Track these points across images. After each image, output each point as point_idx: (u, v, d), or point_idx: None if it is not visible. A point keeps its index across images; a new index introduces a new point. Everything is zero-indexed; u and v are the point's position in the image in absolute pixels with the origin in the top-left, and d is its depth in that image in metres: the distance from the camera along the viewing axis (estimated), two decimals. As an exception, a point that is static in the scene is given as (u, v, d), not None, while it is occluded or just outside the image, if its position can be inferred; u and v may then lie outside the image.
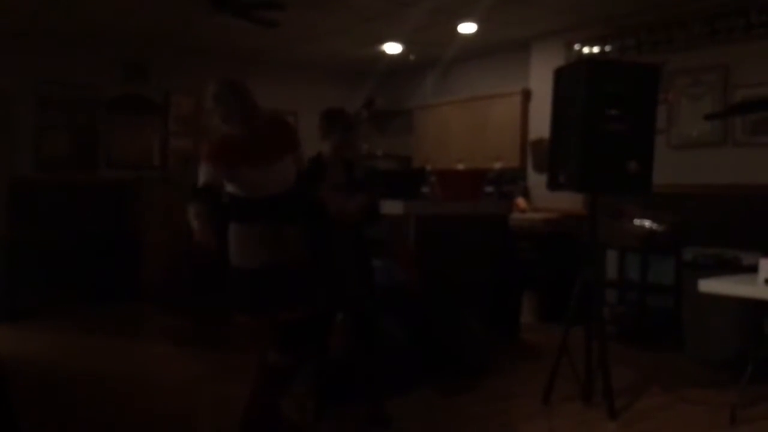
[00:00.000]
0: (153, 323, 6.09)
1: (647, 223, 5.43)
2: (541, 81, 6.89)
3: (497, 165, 7.38)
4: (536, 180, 7.07)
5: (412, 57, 7.96)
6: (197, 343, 5.29)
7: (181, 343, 5.32)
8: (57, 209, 7.20)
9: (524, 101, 7.36)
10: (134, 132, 7.93)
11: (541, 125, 6.64)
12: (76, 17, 6.56)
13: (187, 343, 5.31)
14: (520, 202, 6.99)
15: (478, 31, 6.84)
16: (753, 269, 3.47)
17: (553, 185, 3.80)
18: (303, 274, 3.17)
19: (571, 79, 3.70)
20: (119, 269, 7.10)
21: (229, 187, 3.21)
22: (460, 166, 7.65)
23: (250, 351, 4.94)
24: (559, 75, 3.82)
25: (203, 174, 3.12)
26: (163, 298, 6.85)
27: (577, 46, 6.74)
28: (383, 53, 7.73)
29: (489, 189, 6.75)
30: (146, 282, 7.11)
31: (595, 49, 6.59)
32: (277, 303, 3.12)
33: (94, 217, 7.33)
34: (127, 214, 7.42)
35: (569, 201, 6.03)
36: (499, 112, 7.59)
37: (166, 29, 7.04)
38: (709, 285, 3.47)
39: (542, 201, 6.90)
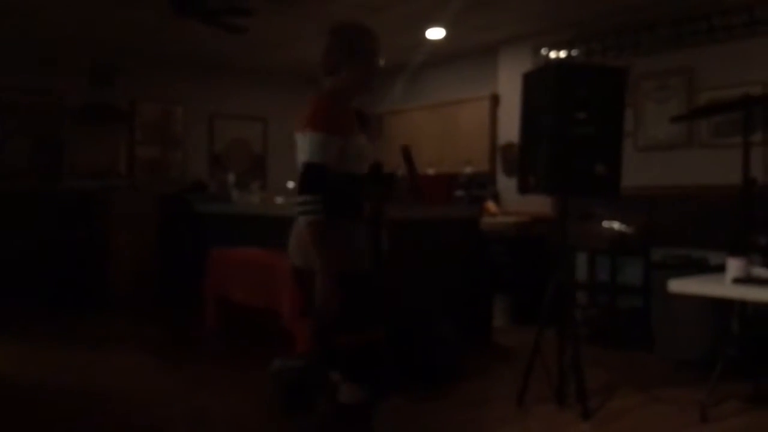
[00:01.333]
0: (121, 333, 5.99)
1: (616, 225, 5.49)
2: (509, 85, 6.95)
3: (467, 169, 7.41)
4: (506, 184, 7.12)
5: (381, 62, 7.95)
6: (167, 354, 5.21)
7: (150, 353, 5.24)
8: (20, 220, 7.06)
9: (493, 106, 7.41)
10: (99, 140, 7.82)
11: (510, 129, 6.70)
12: (39, 23, 6.46)
13: (157, 353, 5.23)
14: (491, 206, 7.02)
15: (446, 36, 6.88)
16: (720, 269, 3.51)
17: (523, 189, 3.82)
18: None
19: (539, 83, 3.73)
20: (86, 279, 6.99)
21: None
22: (431, 171, 7.67)
23: (223, 361, 4.92)
24: (528, 80, 3.85)
25: (319, 146, 2.52)
26: (131, 307, 6.76)
27: (544, 51, 6.81)
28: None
29: (460, 193, 6.78)
30: (113, 292, 7.01)
31: (562, 54, 6.66)
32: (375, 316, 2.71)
33: (59, 227, 7.20)
34: (93, 224, 7.31)
35: (539, 204, 6.07)
36: (469, 117, 7.63)
37: (131, 36, 6.97)
38: (678, 285, 3.51)
39: (512, 205, 6.94)
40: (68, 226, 7.21)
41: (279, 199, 5.89)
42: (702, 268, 4.73)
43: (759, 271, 3.38)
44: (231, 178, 7.19)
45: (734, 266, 3.36)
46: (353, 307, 2.61)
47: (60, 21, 6.40)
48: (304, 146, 2.57)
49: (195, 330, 5.71)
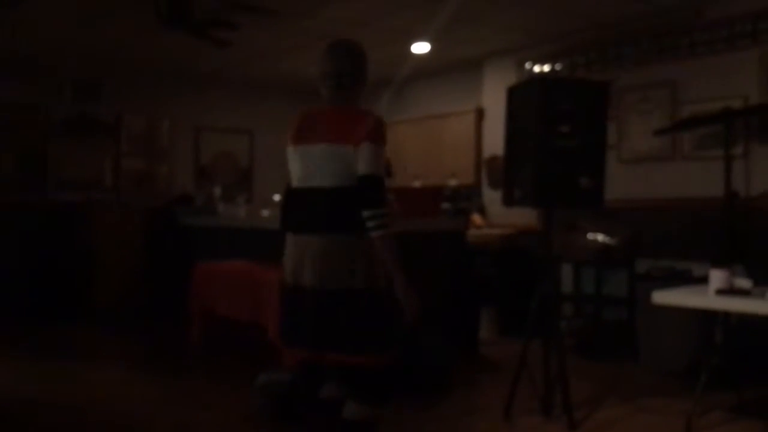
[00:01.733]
0: (105, 346, 5.94)
1: (601, 237, 5.53)
2: (494, 99, 7.00)
3: (453, 182, 7.44)
4: (491, 196, 7.15)
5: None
6: (152, 367, 5.18)
7: (135, 366, 5.21)
8: (5, 233, 7.00)
9: (478, 119, 7.46)
10: (85, 153, 7.79)
11: (495, 142, 6.73)
12: (23, 37, 6.44)
13: (142, 366, 5.20)
14: (476, 218, 7.05)
15: (431, 50, 6.92)
16: (704, 280, 3.55)
17: (508, 201, 3.84)
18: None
19: (524, 97, 3.76)
20: (71, 292, 6.94)
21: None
22: (417, 184, 7.69)
23: (208, 374, 4.89)
24: (512, 93, 3.88)
25: (379, 159, 2.62)
26: (116, 320, 6.71)
27: (528, 65, 6.86)
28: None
29: (445, 206, 6.80)
30: (98, 305, 6.96)
31: (546, 67, 6.72)
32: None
33: (45, 240, 7.15)
34: (79, 237, 7.26)
35: (524, 216, 6.10)
36: (454, 130, 7.67)
37: (117, 49, 6.96)
38: (662, 296, 3.53)
39: (498, 217, 6.97)
40: (54, 239, 7.16)
41: (265, 212, 5.88)
42: (686, 279, 4.77)
43: (741, 282, 3.42)
44: (217, 190, 7.17)
45: (717, 278, 3.39)
46: (383, 326, 2.64)
47: (45, 34, 6.38)
48: (367, 158, 2.58)
49: (180, 343, 5.68)
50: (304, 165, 2.69)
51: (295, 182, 2.76)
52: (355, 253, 2.60)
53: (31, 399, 4.34)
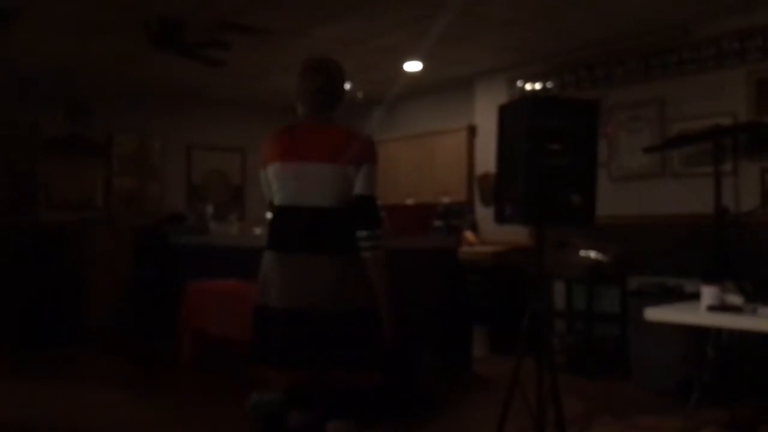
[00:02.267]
0: (96, 367, 5.90)
1: (592, 254, 5.54)
2: (485, 117, 7.04)
3: (445, 199, 7.46)
4: (483, 213, 7.17)
5: (359, 95, 8.03)
6: (142, 388, 5.14)
7: (125, 387, 5.16)
8: (-5, 253, 6.97)
9: (470, 136, 7.49)
10: (76, 173, 7.78)
11: (486, 160, 6.77)
12: (15, 56, 6.45)
13: (132, 387, 5.16)
14: (469, 235, 7.06)
15: (423, 69, 6.97)
16: (696, 296, 3.55)
17: (500, 218, 3.84)
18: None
19: (515, 115, 3.78)
20: (61, 313, 6.89)
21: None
22: (409, 201, 7.71)
23: (200, 394, 4.86)
24: (503, 111, 3.90)
25: (376, 183, 2.74)
26: (107, 341, 6.67)
27: (519, 83, 6.91)
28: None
29: (438, 223, 6.81)
30: (89, 325, 6.92)
31: (537, 86, 6.77)
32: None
33: (35, 260, 7.10)
34: (70, 256, 7.22)
35: (516, 234, 6.10)
36: (446, 148, 7.70)
37: (109, 68, 6.97)
38: (654, 313, 3.54)
39: (490, 234, 6.99)
40: (44, 260, 7.12)
41: (257, 230, 5.87)
42: (677, 296, 4.78)
43: (732, 299, 3.42)
44: (209, 209, 7.17)
45: (708, 294, 3.40)
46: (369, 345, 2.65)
47: (36, 54, 6.39)
48: (365, 179, 2.62)
49: (171, 363, 5.64)
50: (298, 183, 2.67)
51: (284, 200, 2.72)
52: (355, 272, 2.60)
53: (20, 422, 4.30)
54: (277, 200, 2.75)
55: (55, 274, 7.09)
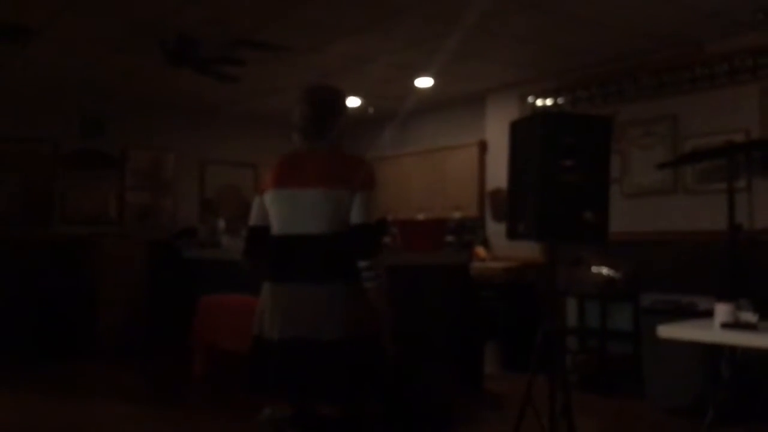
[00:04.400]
0: (108, 381, 5.91)
1: (605, 271, 5.52)
2: (497, 132, 7.04)
3: (456, 215, 7.46)
4: (495, 229, 7.16)
5: (371, 110, 8.07)
6: (155, 402, 5.15)
7: (138, 401, 5.18)
8: (9, 266, 7.02)
9: (481, 152, 7.50)
10: (90, 187, 7.84)
11: (498, 175, 6.76)
12: (33, 71, 6.53)
13: (145, 401, 5.17)
14: (480, 251, 7.05)
15: (434, 85, 6.99)
16: (709, 314, 3.53)
17: (512, 234, 3.84)
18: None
19: (527, 131, 3.79)
20: (74, 326, 6.93)
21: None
22: (421, 216, 7.71)
23: (212, 409, 4.86)
24: (515, 127, 3.91)
25: (375, 210, 2.65)
26: (120, 355, 6.69)
27: (530, 99, 6.92)
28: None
29: (449, 238, 6.81)
30: (102, 339, 6.95)
31: (549, 102, 6.78)
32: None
33: (49, 274, 7.16)
34: (83, 270, 7.27)
35: (528, 250, 6.10)
36: (457, 163, 7.71)
37: (124, 84, 7.04)
38: (668, 330, 3.52)
39: (501, 250, 6.97)
40: (58, 273, 7.17)
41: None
42: (691, 313, 4.75)
43: (747, 316, 3.40)
44: (221, 224, 7.19)
45: (722, 311, 3.38)
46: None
47: (53, 70, 6.47)
48: (363, 206, 2.57)
49: (183, 378, 5.65)
50: (290, 210, 2.65)
51: (279, 229, 2.69)
52: (343, 301, 2.57)
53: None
54: (274, 229, 2.74)
55: (68, 287, 7.14)
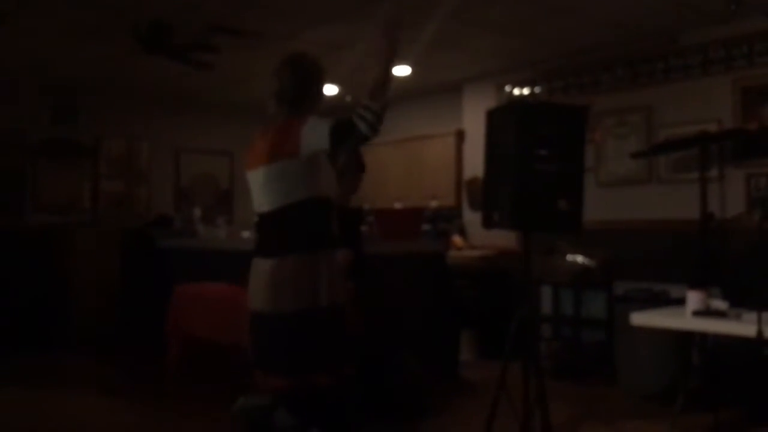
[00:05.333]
0: (81, 372, 5.86)
1: (580, 259, 5.57)
2: (474, 122, 7.06)
3: (433, 203, 7.47)
4: (471, 218, 7.19)
5: (348, 98, 8.03)
6: (129, 392, 5.11)
7: (112, 392, 5.14)
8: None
9: (458, 141, 7.51)
10: (63, 176, 7.73)
11: (475, 164, 6.78)
12: (2, 59, 6.41)
13: (119, 391, 5.13)
14: (457, 240, 7.07)
15: (412, 74, 6.98)
16: (681, 302, 3.58)
17: (488, 223, 3.86)
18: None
19: (503, 120, 3.80)
20: (47, 317, 6.85)
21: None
22: (398, 205, 7.71)
23: (187, 399, 4.84)
24: (491, 117, 3.92)
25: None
26: (93, 345, 6.63)
27: (507, 88, 6.95)
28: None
29: (426, 227, 6.82)
30: (75, 329, 6.87)
31: (525, 91, 6.80)
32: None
33: (21, 263, 7.05)
34: (56, 259, 7.18)
35: (504, 238, 6.12)
36: (435, 152, 7.72)
37: (97, 71, 6.94)
38: (641, 318, 3.56)
39: (478, 238, 7.00)
40: (30, 263, 7.07)
41: (246, 234, 5.86)
42: (663, 301, 4.81)
43: (717, 304, 3.45)
44: (197, 212, 7.14)
45: (694, 299, 3.43)
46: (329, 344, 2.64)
47: (23, 56, 6.36)
48: (320, 129, 2.61)
49: (158, 367, 5.62)
50: (253, 191, 2.73)
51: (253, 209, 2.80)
52: (308, 271, 2.58)
53: (3, 428, 4.27)
54: None
55: (41, 277, 7.04)
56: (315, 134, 2.55)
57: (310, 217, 2.61)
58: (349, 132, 2.52)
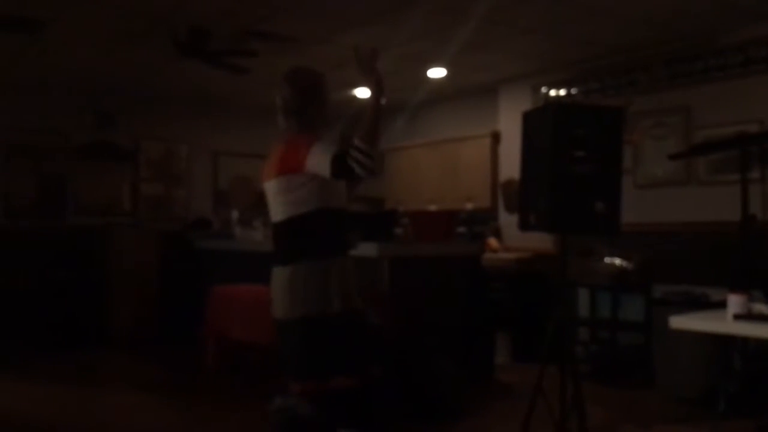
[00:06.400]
0: (121, 371, 5.98)
1: (617, 261, 5.51)
2: (509, 123, 7.03)
3: (468, 206, 7.45)
4: (507, 220, 7.15)
5: (382, 101, 8.06)
6: (167, 392, 5.20)
7: (150, 391, 5.23)
8: (24, 257, 7.09)
9: (494, 143, 7.48)
10: (103, 178, 7.89)
11: (510, 166, 6.75)
12: (45, 64, 6.57)
13: (157, 391, 5.22)
14: (492, 242, 7.05)
15: (447, 75, 6.98)
16: (721, 305, 3.52)
17: (524, 225, 3.84)
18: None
19: (539, 122, 3.79)
20: (88, 316, 7.00)
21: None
22: (432, 207, 7.71)
23: (224, 398, 4.90)
24: (527, 118, 3.91)
25: (335, 142, 2.75)
26: (132, 345, 6.75)
27: (543, 89, 6.90)
28: (354, 97, 7.83)
29: (461, 230, 6.81)
30: (115, 329, 7.01)
31: (562, 92, 6.75)
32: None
33: (63, 264, 7.22)
34: (96, 261, 7.33)
35: (540, 241, 6.09)
36: (470, 154, 7.70)
37: (136, 76, 7.07)
38: (680, 321, 3.51)
39: (514, 241, 6.97)
40: (72, 264, 7.24)
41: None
42: (703, 304, 4.73)
43: (760, 307, 3.39)
44: (234, 214, 7.23)
45: (735, 302, 3.37)
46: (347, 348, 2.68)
47: (66, 61, 6.50)
48: (320, 153, 2.63)
49: (195, 367, 5.70)
50: (268, 201, 2.83)
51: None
52: (317, 278, 2.66)
53: (46, 423, 4.38)
54: None
55: (82, 278, 7.20)
56: (316, 159, 2.63)
57: (320, 227, 2.70)
58: (347, 172, 2.58)
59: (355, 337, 2.72)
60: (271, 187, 2.77)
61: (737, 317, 3.32)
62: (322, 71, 3.01)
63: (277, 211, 2.77)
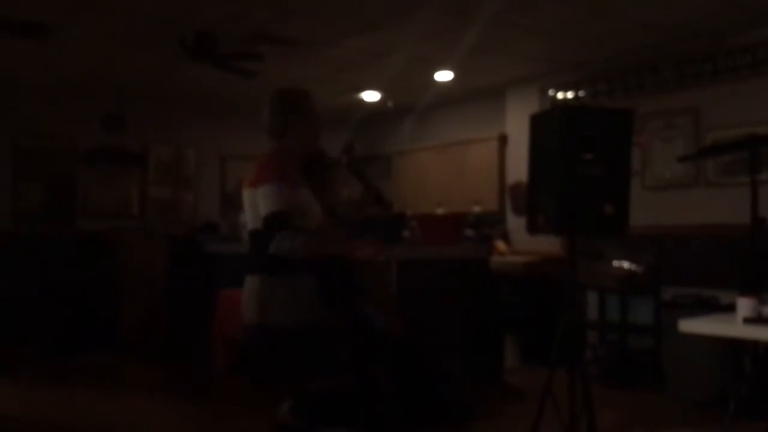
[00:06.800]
0: (130, 374, 5.99)
1: (626, 264, 5.49)
2: (517, 126, 7.02)
3: (476, 208, 7.44)
4: (515, 223, 7.14)
5: (390, 104, 8.07)
6: (177, 395, 5.21)
7: (159, 393, 5.24)
8: (33, 261, 7.11)
9: (501, 146, 7.47)
10: (112, 182, 7.92)
11: (518, 169, 6.75)
12: (54, 69, 6.60)
13: (166, 393, 5.23)
14: (500, 245, 7.04)
15: (454, 78, 6.98)
16: (731, 308, 3.50)
17: (533, 228, 3.83)
18: None
19: (547, 124, 3.78)
20: (97, 320, 7.02)
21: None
22: (440, 210, 7.71)
23: (232, 401, 4.90)
24: (535, 121, 3.90)
25: (281, 201, 2.86)
26: (142, 348, 6.76)
27: (551, 92, 6.89)
28: (361, 101, 7.84)
29: (469, 233, 6.80)
30: (124, 333, 7.03)
31: (569, 94, 6.74)
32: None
33: (71, 268, 7.24)
34: (105, 264, 7.35)
35: (548, 244, 6.08)
36: (477, 157, 7.69)
37: (144, 80, 7.10)
38: (689, 325, 3.49)
39: (522, 244, 6.96)
40: (81, 268, 7.26)
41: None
42: (712, 307, 4.71)
43: (770, 311, 3.37)
44: (242, 218, 7.22)
45: (745, 306, 3.35)
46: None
47: (74, 66, 6.54)
48: (262, 200, 2.77)
49: (204, 370, 5.70)
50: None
51: None
52: (270, 291, 2.79)
53: (56, 427, 4.39)
54: None
55: (91, 282, 7.22)
56: (261, 199, 2.77)
57: (269, 243, 2.77)
58: (270, 234, 2.72)
59: (312, 349, 2.81)
60: (245, 197, 2.92)
61: (747, 320, 3.30)
62: (306, 90, 3.19)
63: (249, 220, 2.92)
